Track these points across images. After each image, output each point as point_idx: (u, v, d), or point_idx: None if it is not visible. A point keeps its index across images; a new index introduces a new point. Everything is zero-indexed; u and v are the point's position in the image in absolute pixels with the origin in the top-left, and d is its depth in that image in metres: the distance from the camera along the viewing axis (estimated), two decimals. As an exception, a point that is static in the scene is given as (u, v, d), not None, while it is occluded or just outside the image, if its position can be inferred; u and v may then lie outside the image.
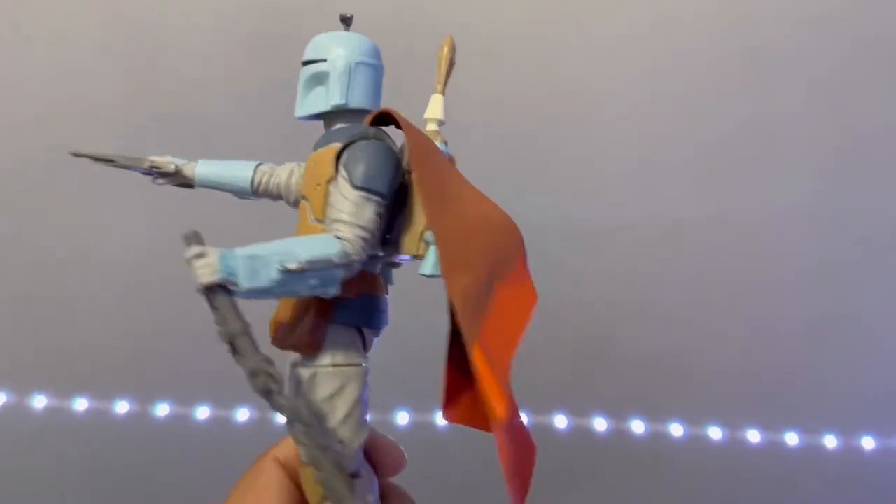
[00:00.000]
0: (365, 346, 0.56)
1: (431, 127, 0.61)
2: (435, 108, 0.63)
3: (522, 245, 0.56)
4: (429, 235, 0.54)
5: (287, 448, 0.55)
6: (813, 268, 1.17)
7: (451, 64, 0.62)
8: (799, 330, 1.18)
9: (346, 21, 0.62)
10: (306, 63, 0.62)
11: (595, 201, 1.07)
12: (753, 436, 1.16)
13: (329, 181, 0.55)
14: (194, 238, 0.48)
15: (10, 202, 1.26)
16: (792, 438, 1.16)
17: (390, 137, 0.58)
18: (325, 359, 0.54)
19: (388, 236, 0.56)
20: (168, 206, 1.26)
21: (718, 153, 1.15)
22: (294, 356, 0.55)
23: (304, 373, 0.54)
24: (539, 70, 1.23)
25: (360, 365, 0.55)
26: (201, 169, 0.65)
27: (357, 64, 0.60)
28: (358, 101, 0.59)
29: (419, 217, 0.56)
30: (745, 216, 1.05)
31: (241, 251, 0.49)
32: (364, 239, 0.53)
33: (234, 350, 0.47)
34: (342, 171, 0.54)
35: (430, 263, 0.53)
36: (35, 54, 1.25)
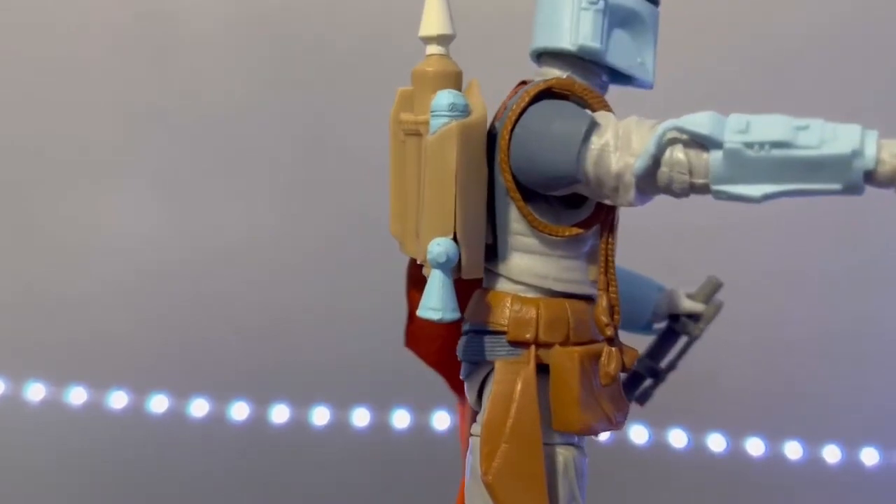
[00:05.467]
0: None
1: (435, 50, 0.47)
2: (432, 17, 0.47)
3: None
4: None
5: None
6: (822, 275, 1.16)
7: None
8: (806, 338, 1.16)
9: None
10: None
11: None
12: (757, 446, 1.15)
13: None
14: None
15: (15, 191, 1.25)
16: (795, 450, 1.15)
17: None
18: None
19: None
20: (174, 195, 1.26)
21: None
22: None
23: None
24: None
25: None
26: None
27: None
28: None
29: None
30: (754, 221, 1.04)
31: None
32: None
33: None
34: None
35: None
36: (46, 44, 1.25)
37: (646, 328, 0.65)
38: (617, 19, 0.45)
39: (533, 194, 0.46)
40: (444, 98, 0.43)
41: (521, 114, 0.45)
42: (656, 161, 0.42)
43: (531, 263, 0.46)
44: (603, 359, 0.47)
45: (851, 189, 0.39)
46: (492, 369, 0.47)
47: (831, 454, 1.15)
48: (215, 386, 1.22)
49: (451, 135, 0.43)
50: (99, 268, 1.24)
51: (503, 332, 0.47)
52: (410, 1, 1.18)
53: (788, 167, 0.39)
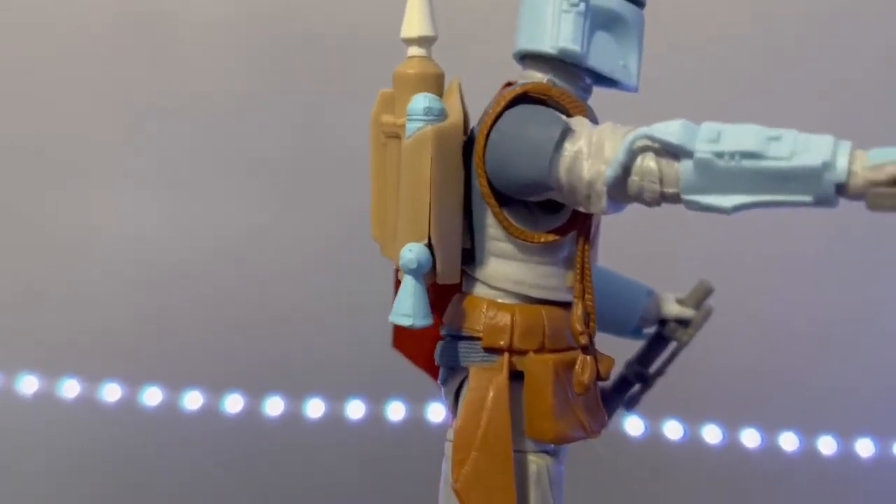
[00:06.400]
0: None
1: (416, 52, 0.47)
2: (413, 18, 0.46)
3: None
4: None
5: None
6: (817, 265, 1.17)
7: None
8: (801, 328, 1.17)
9: None
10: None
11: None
12: (752, 437, 1.15)
13: None
14: None
15: (15, 191, 1.26)
16: (791, 441, 1.15)
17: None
18: None
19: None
20: (172, 190, 1.26)
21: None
22: None
23: None
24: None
25: None
26: None
27: None
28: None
29: None
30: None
31: None
32: None
33: None
34: None
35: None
36: (46, 44, 1.26)
37: (634, 333, 0.64)
38: (599, 22, 0.45)
39: (511, 199, 0.45)
40: (420, 102, 0.43)
41: (496, 118, 0.44)
42: (626, 170, 0.41)
43: (507, 269, 0.46)
44: (577, 367, 0.46)
45: (823, 201, 0.38)
46: (467, 375, 0.47)
47: (827, 445, 1.15)
48: (209, 378, 1.21)
49: (426, 140, 0.42)
50: (94, 262, 1.25)
51: (478, 338, 0.46)
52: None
53: (759, 178, 0.38)
